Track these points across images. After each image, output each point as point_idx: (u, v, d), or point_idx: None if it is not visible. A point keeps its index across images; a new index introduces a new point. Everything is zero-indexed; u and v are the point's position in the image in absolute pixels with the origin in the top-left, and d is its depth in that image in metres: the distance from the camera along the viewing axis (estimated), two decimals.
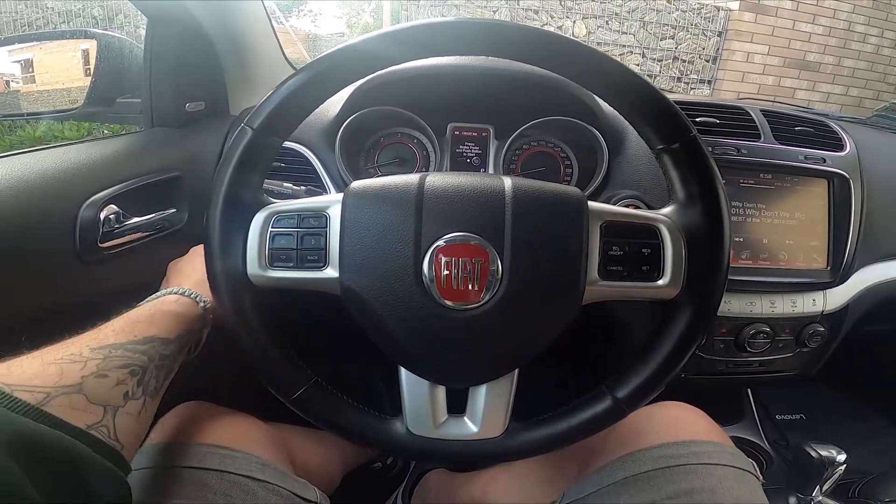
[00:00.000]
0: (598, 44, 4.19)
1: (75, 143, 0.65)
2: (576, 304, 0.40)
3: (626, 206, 0.68)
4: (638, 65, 4.26)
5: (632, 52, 4.29)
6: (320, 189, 0.71)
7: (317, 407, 0.43)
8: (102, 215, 0.59)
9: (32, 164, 0.57)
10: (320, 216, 0.41)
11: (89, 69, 0.81)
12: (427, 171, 0.77)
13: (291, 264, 0.41)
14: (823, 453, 0.66)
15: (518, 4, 4.04)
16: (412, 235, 0.39)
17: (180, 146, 0.76)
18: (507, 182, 0.41)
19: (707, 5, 4.23)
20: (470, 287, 0.38)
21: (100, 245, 0.59)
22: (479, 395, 0.43)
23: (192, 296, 0.47)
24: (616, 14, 4.18)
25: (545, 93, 0.74)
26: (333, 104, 0.73)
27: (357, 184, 0.41)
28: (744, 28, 4.21)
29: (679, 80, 4.30)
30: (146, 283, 0.55)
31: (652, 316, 0.68)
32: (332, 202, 0.41)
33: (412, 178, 0.41)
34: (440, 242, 0.39)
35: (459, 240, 0.39)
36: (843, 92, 4.62)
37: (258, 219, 0.41)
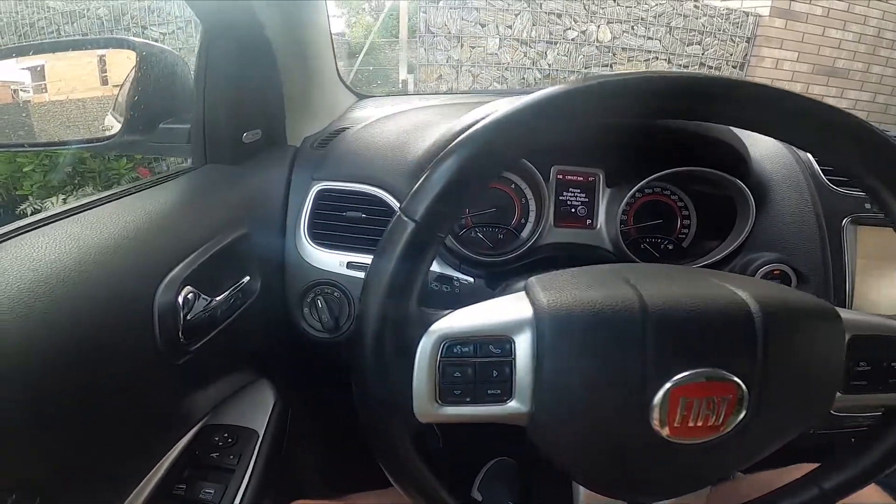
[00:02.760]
0: (623, 49, 4.06)
1: (123, 191, 0.51)
2: (819, 422, 0.39)
3: (772, 271, 0.62)
4: None
5: (657, 58, 4.16)
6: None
7: None
8: (181, 298, 0.45)
9: (94, 224, 0.43)
10: (503, 342, 0.34)
11: (106, 77, 0.72)
12: (525, 221, 0.68)
13: (468, 399, 0.35)
14: None
15: (540, 8, 3.90)
16: (637, 376, 0.33)
17: (241, 190, 0.62)
18: (751, 301, 0.34)
19: (736, 10, 4.10)
20: (710, 423, 0.34)
21: (181, 339, 0.45)
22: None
23: None
24: (642, 19, 4.04)
25: (674, 135, 0.61)
26: (417, 142, 0.65)
27: (552, 304, 0.34)
28: (773, 34, 4.09)
29: None
30: (229, 378, 0.48)
31: None
32: (517, 325, 0.35)
33: (628, 299, 0.34)
34: (675, 383, 0.33)
35: (701, 378, 0.33)
36: (871, 99, 4.54)
37: (426, 346, 0.35)
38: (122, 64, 0.70)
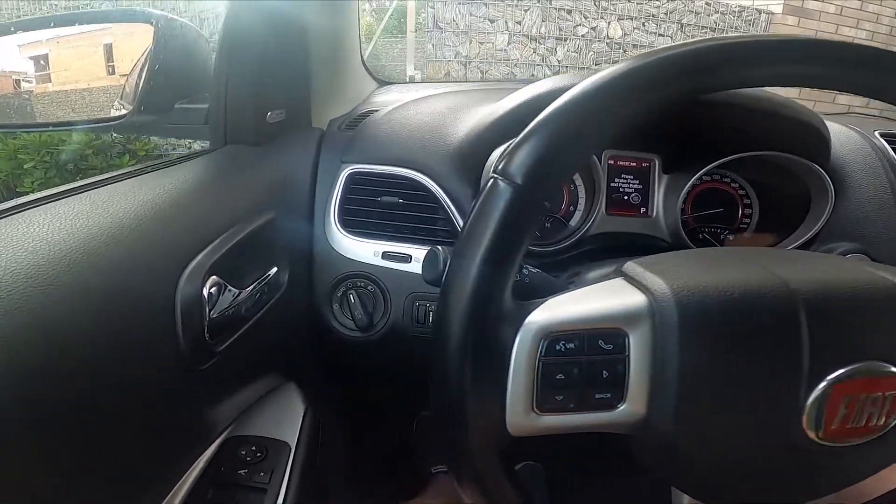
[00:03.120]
0: (634, 46, 4.00)
1: (138, 170, 0.44)
2: None
3: None
4: None
5: None
6: (423, 237, 0.57)
7: None
8: (206, 290, 0.39)
9: (106, 202, 0.37)
10: (615, 336, 0.29)
11: (112, 66, 0.68)
12: (574, 209, 0.63)
13: (571, 405, 0.30)
14: None
15: (550, 4, 3.84)
16: (790, 373, 0.29)
17: (266, 172, 0.56)
18: None
19: (748, 8, 4.04)
20: (871, 423, 0.30)
21: (207, 339, 0.39)
22: None
23: None
24: (653, 16, 3.98)
25: (746, 115, 0.55)
26: (456, 124, 0.60)
27: (677, 290, 0.29)
28: (786, 32, 4.03)
29: None
30: (254, 383, 0.44)
31: None
32: (630, 315, 0.29)
33: (772, 285, 0.29)
34: (836, 379, 0.29)
35: (865, 373, 0.29)
36: None
37: (523, 342, 0.29)
38: (132, 52, 0.67)
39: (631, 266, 0.32)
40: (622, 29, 3.98)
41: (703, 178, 0.64)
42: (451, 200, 0.57)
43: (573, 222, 0.63)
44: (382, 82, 0.97)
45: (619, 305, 0.29)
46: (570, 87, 0.30)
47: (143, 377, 0.35)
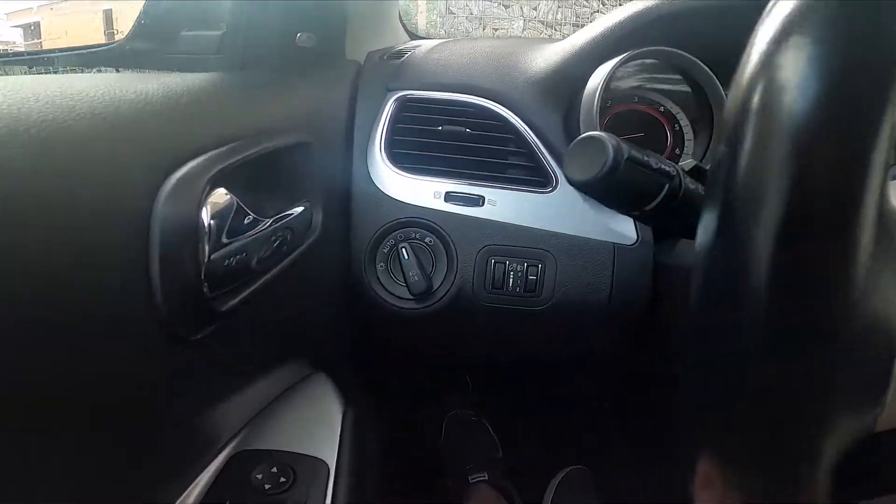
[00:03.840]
0: None
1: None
2: None
3: None
4: None
5: None
6: (498, 175, 0.46)
7: None
8: (207, 211, 0.24)
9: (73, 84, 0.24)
10: None
11: (112, 33, 0.62)
12: (681, 152, 0.52)
13: None
14: None
15: None
16: None
17: (294, 95, 0.42)
18: None
19: None
20: None
21: (205, 290, 0.24)
22: None
23: None
24: None
25: None
26: (533, 53, 0.51)
27: None
28: None
29: None
30: (273, 371, 0.31)
31: None
32: None
33: None
34: None
35: None
36: None
37: None
38: (135, 15, 0.57)
39: None
40: None
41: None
42: (536, 134, 0.46)
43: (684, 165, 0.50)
44: (415, 36, 0.83)
45: None
46: None
47: (96, 350, 0.20)
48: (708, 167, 0.30)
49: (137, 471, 0.24)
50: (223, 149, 0.27)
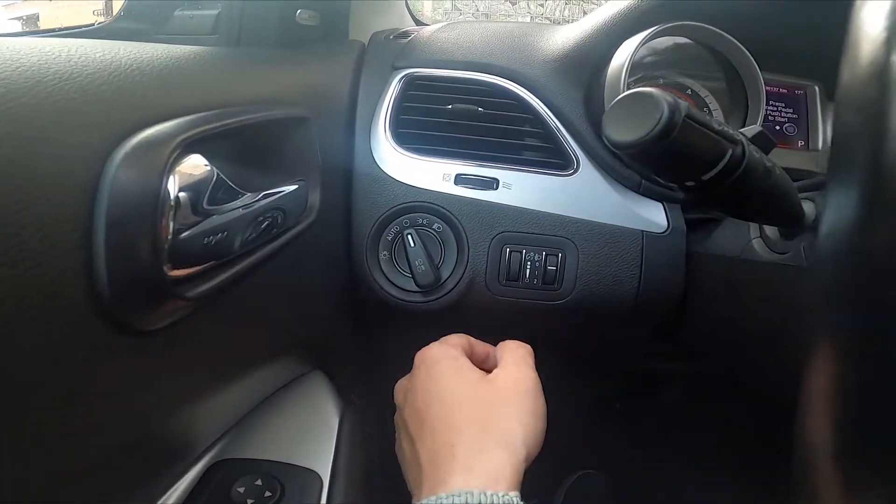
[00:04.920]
0: None
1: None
2: None
3: None
4: None
5: None
6: (512, 156, 0.43)
7: None
8: (174, 186, 0.21)
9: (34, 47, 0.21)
10: None
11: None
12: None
13: None
14: None
15: None
16: None
17: (294, 72, 0.39)
18: None
19: None
20: None
21: (167, 271, 0.20)
22: None
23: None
24: None
25: None
26: (549, 32, 0.48)
27: None
28: None
29: None
30: (261, 368, 0.27)
31: None
32: None
33: None
34: None
35: None
36: None
37: None
38: None
39: None
40: None
41: None
42: (556, 114, 0.43)
43: None
44: (420, 23, 0.80)
45: None
46: None
47: (25, 335, 0.16)
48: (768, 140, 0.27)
49: (88, 485, 0.20)
50: (203, 114, 0.23)
